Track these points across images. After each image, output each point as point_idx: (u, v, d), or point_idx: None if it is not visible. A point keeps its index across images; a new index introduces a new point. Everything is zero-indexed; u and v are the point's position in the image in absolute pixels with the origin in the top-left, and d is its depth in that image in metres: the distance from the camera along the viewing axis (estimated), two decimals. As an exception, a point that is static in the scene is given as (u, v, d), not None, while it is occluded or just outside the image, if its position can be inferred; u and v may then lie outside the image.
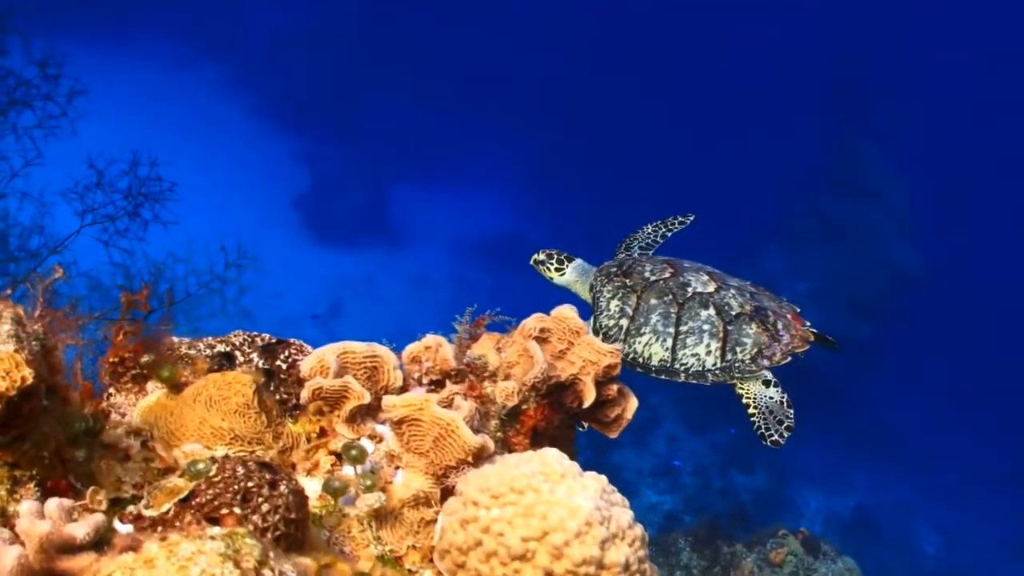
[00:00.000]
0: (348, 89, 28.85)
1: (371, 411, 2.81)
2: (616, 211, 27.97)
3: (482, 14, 32.04)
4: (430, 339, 3.01)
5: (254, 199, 24.30)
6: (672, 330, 4.48)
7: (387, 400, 2.70)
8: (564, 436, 3.32)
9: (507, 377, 3.07)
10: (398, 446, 2.70)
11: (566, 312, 3.21)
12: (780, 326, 4.52)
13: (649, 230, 5.56)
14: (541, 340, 3.17)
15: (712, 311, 4.52)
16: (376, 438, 2.76)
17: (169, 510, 2.15)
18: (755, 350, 4.46)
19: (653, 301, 4.57)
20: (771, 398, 4.53)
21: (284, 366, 2.98)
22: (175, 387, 2.70)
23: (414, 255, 25.18)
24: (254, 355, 3.00)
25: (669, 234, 5.56)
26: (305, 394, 2.74)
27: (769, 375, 4.62)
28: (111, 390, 2.73)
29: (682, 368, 4.51)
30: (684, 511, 16.66)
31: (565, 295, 5.54)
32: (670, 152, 28.78)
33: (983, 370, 23.12)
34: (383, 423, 2.80)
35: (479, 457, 2.64)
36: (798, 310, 4.71)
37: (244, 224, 23.28)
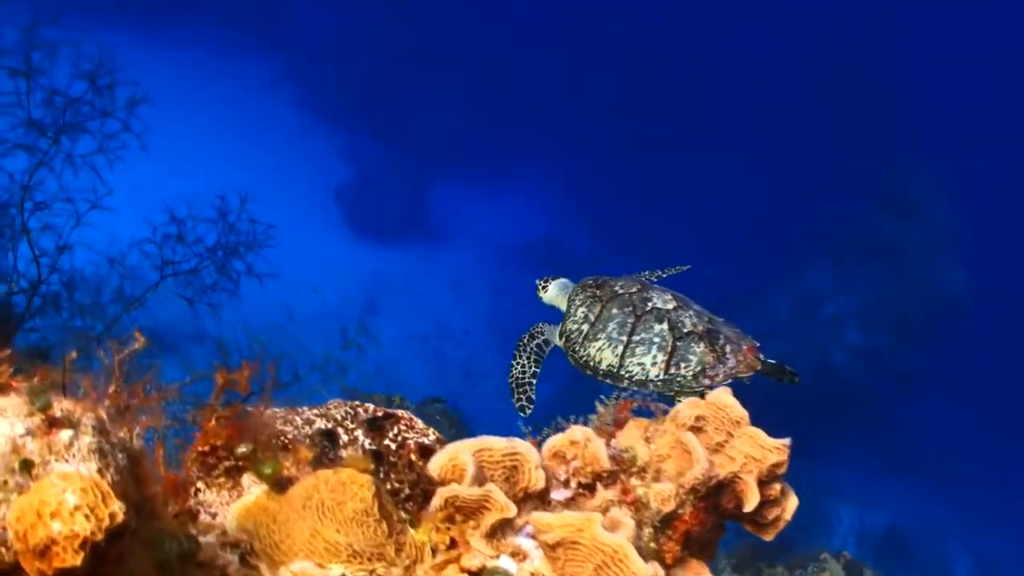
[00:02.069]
0: (393, 86, 28.59)
1: (510, 519, 2.32)
2: (657, 218, 27.73)
3: (528, 18, 31.72)
4: (577, 432, 2.49)
5: (296, 191, 24.05)
6: (625, 338, 4.71)
7: (539, 519, 2.20)
8: (713, 537, 2.82)
9: (658, 473, 2.57)
10: (549, 571, 2.21)
11: (725, 399, 2.72)
12: (728, 350, 4.65)
13: (646, 274, 5.67)
14: (695, 429, 2.68)
15: (665, 326, 4.72)
16: (519, 555, 2.27)
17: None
18: (698, 368, 4.61)
19: (614, 311, 4.83)
20: None
21: (394, 446, 2.54)
22: (277, 484, 2.22)
23: (453, 255, 24.87)
24: (359, 433, 2.55)
25: (664, 276, 5.65)
26: (436, 502, 2.25)
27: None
28: (200, 484, 2.25)
29: (627, 375, 4.69)
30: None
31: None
32: (715, 162, 28.38)
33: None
34: (524, 532, 2.31)
35: (648, 590, 2.14)
36: (757, 345, 4.75)
37: (284, 216, 23.12)
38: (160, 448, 2.12)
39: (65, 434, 1.63)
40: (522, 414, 4.91)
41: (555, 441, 2.52)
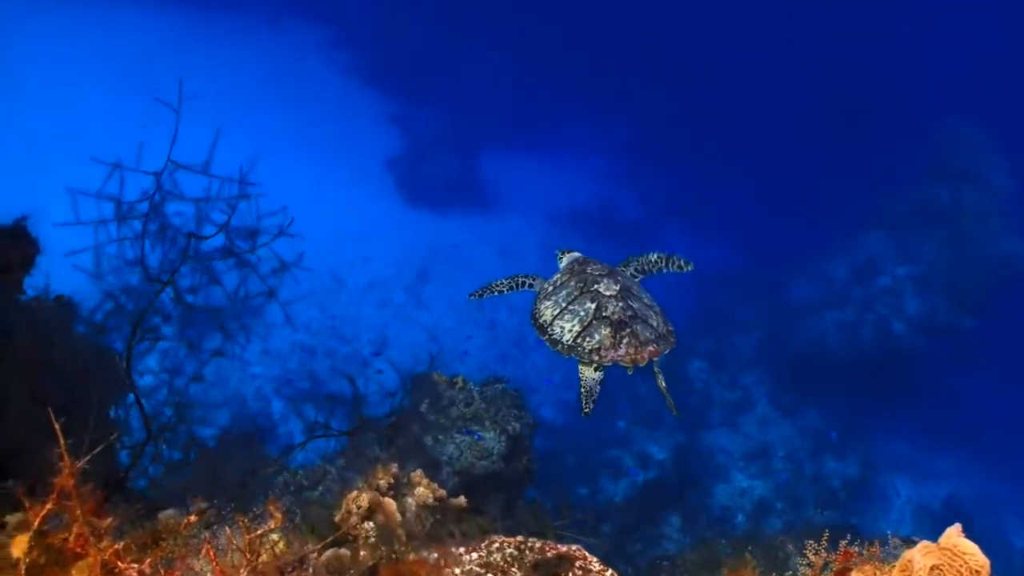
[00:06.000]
0: (443, 54, 28.47)
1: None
2: (709, 183, 27.34)
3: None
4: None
5: (348, 159, 24.00)
6: (564, 304, 5.72)
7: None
8: None
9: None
10: None
11: (964, 545, 2.44)
12: (625, 342, 5.49)
13: (653, 259, 6.50)
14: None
15: (593, 306, 5.66)
16: None
17: None
18: (596, 346, 5.51)
19: (572, 283, 5.85)
20: (594, 379, 5.57)
21: (575, 602, 2.22)
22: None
23: (503, 222, 24.67)
24: (531, 585, 2.20)
25: (665, 271, 6.45)
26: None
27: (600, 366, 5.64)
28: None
29: (550, 331, 5.70)
30: (775, 498, 16.21)
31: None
32: (769, 130, 27.91)
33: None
34: None
35: None
36: (663, 351, 5.56)
37: (336, 185, 23.09)
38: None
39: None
40: (471, 296, 6.36)
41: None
